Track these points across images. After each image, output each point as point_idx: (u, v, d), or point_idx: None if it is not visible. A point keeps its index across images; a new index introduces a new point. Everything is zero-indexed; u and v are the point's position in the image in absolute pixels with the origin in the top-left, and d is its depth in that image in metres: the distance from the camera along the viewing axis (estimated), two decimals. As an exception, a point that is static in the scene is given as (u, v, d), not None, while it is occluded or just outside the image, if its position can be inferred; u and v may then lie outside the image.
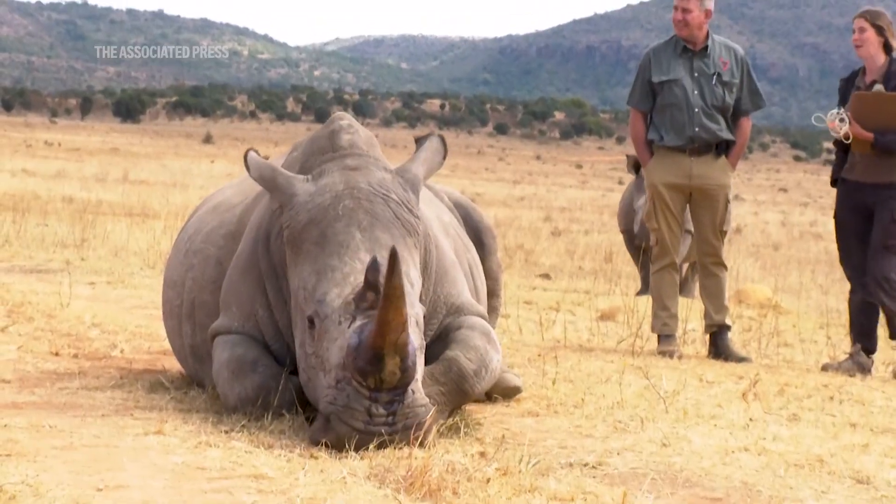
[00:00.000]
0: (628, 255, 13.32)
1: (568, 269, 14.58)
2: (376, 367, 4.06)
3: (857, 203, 7.19)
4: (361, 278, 4.24)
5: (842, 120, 6.92)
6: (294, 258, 4.51)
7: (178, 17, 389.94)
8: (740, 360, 7.15)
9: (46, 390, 5.02)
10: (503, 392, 5.09)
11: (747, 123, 7.46)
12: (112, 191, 24.69)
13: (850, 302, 7.31)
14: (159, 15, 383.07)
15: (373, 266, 4.14)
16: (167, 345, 5.91)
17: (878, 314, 7.22)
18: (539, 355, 6.39)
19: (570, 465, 4.26)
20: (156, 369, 5.74)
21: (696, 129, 7.15)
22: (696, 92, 7.21)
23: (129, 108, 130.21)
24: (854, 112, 6.93)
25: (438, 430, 4.32)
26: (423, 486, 3.72)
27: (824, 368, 6.99)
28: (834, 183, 7.43)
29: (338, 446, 4.08)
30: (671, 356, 6.99)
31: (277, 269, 4.72)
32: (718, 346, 7.32)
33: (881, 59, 7.12)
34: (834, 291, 14.06)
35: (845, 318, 8.01)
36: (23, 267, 9.95)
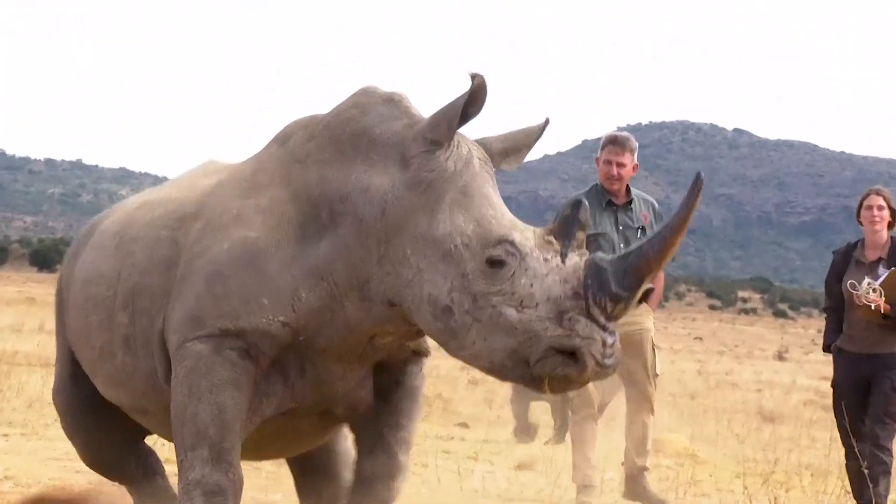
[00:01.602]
0: (546, 404, 13.48)
1: (486, 417, 14.64)
2: (633, 292, 4.26)
3: (856, 373, 7.43)
4: (526, 231, 4.45)
5: (874, 290, 7.15)
6: (427, 209, 4.54)
7: (97, 166, 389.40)
8: (658, 502, 7.26)
9: None
10: None
11: (661, 272, 7.74)
12: (28, 341, 24.33)
13: (849, 468, 7.47)
14: (77, 165, 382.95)
15: (584, 207, 4.40)
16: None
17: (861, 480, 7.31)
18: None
19: None
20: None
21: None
22: (622, 246, 7.38)
23: (45, 258, 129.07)
24: (888, 284, 7.16)
25: None
26: None
27: None
28: (827, 349, 7.68)
29: (597, 370, 4.29)
30: None
31: (381, 226, 4.62)
32: (636, 488, 7.43)
33: (885, 236, 7.44)
34: (750, 440, 14.24)
35: (762, 467, 8.18)
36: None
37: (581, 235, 4.41)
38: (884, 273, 7.27)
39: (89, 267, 5.43)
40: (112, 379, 5.26)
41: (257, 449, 4.99)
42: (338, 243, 4.69)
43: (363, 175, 4.68)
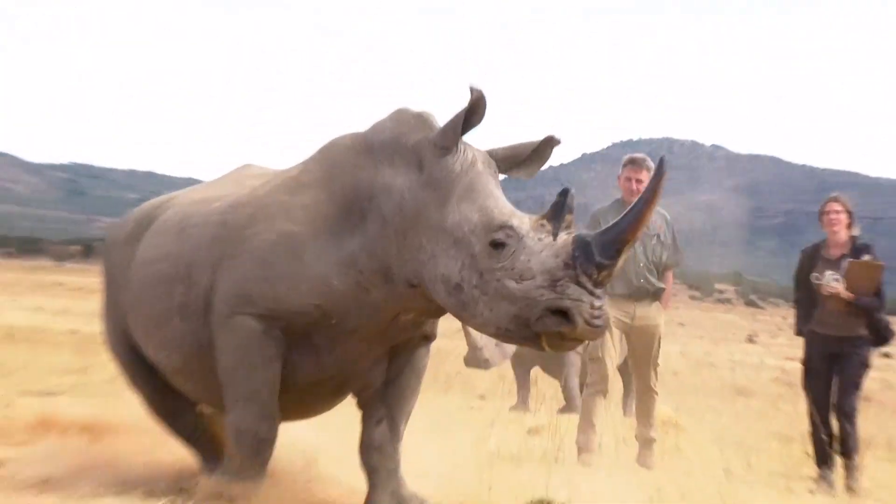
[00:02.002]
0: (550, 378, 13.52)
1: (500, 391, 14.61)
2: (614, 260, 4.29)
3: (826, 352, 7.48)
4: (523, 218, 4.50)
5: (836, 280, 7.27)
6: (438, 203, 4.62)
7: (167, 175, 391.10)
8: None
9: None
10: None
11: (671, 275, 7.79)
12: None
13: (813, 436, 7.51)
14: (151, 174, 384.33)
15: (570, 194, 4.48)
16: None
17: (831, 444, 7.47)
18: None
19: None
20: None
21: (641, 281, 7.49)
22: (640, 250, 7.42)
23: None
24: (848, 275, 7.27)
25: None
26: None
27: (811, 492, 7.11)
28: (799, 333, 7.75)
29: (588, 330, 4.28)
30: (589, 463, 7.22)
31: (398, 219, 4.71)
32: (647, 454, 7.61)
33: (845, 235, 7.49)
34: (725, 412, 14.15)
35: (736, 435, 8.17)
36: (36, 391, 9.89)
37: (570, 218, 4.44)
38: (843, 266, 7.34)
39: (153, 249, 5.47)
40: (166, 343, 5.31)
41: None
42: (365, 237, 4.74)
43: (388, 177, 4.74)
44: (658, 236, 7.58)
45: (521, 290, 4.36)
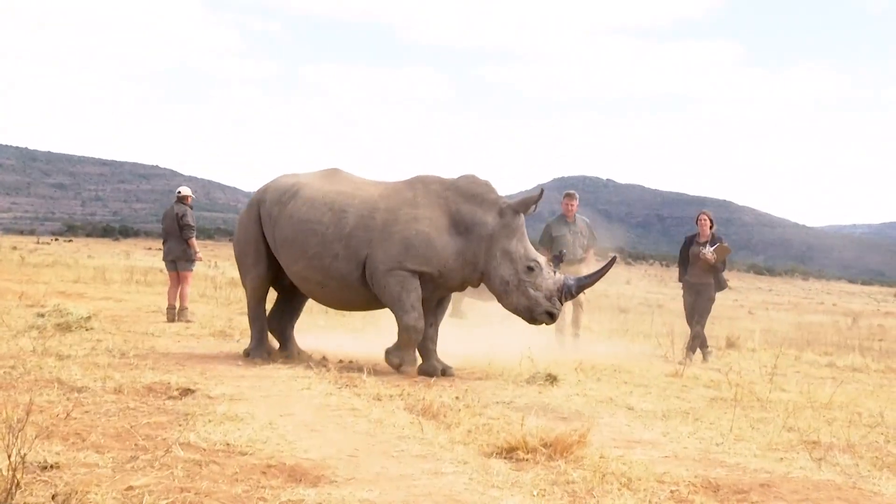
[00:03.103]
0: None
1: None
2: (577, 294, 8.89)
3: (692, 291, 12.50)
4: (538, 254, 8.77)
5: (712, 253, 12.20)
6: (508, 237, 8.63)
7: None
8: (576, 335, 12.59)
9: (258, 369, 8.71)
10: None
11: (591, 252, 12.69)
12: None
13: (691, 336, 12.44)
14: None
15: (561, 256, 8.99)
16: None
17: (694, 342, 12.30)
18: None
19: (497, 402, 7.40)
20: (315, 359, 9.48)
21: (577, 255, 12.33)
22: (575, 240, 12.48)
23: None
24: (716, 251, 12.21)
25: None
26: (429, 411, 6.77)
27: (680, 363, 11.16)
28: (680, 280, 12.70)
29: (554, 318, 8.61)
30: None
31: (487, 241, 8.67)
32: (575, 338, 12.92)
33: (707, 232, 12.50)
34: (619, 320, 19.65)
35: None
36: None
37: (562, 266, 8.96)
38: (710, 247, 12.19)
39: (306, 214, 9.06)
40: (315, 268, 8.95)
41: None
42: (468, 243, 8.69)
43: (481, 215, 8.73)
44: (582, 233, 12.52)
45: (534, 296, 8.48)
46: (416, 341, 8.81)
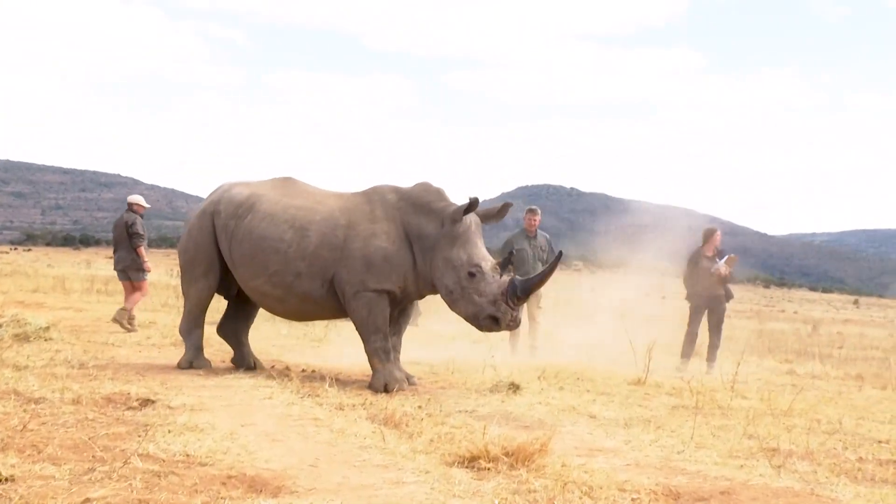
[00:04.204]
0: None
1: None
2: (526, 296, 8.44)
3: (706, 305, 12.76)
4: (488, 261, 8.41)
5: (725, 266, 12.48)
6: (449, 246, 8.51)
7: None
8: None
9: (219, 378, 8.66)
10: None
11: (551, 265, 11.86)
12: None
13: (686, 337, 12.89)
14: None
15: (509, 259, 8.57)
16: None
17: (692, 348, 12.54)
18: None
19: (459, 411, 7.37)
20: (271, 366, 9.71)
21: (537, 267, 12.20)
22: (533, 255, 12.56)
23: None
24: (728, 263, 12.53)
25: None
26: (392, 420, 6.70)
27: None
28: (688, 295, 12.79)
29: (507, 327, 8.32)
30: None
31: (431, 251, 8.54)
32: (533, 348, 12.67)
33: (712, 248, 12.77)
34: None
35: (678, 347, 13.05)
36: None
37: (510, 268, 8.40)
38: (720, 260, 12.55)
39: (265, 230, 8.96)
40: (276, 283, 8.87)
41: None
42: (416, 255, 8.68)
43: (426, 224, 8.69)
44: (542, 248, 12.64)
45: (478, 302, 8.32)
46: (385, 360, 8.75)
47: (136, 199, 14.39)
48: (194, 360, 9.49)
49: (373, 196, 9.02)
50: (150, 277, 14.46)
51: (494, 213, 8.86)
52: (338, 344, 13.25)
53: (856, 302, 79.95)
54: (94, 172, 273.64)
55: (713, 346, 12.78)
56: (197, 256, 9.50)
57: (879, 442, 7.36)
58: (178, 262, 9.81)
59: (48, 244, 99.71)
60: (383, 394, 8.33)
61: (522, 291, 8.37)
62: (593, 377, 10.41)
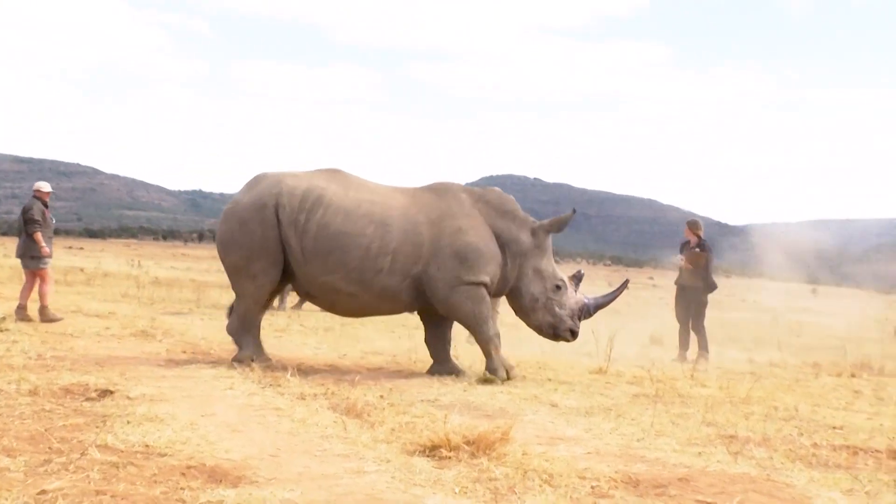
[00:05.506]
0: None
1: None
2: (592, 315, 9.34)
3: (683, 294, 13.34)
4: (565, 276, 9.20)
5: (681, 259, 13.26)
6: (539, 256, 9.09)
7: None
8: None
9: (180, 369, 8.50)
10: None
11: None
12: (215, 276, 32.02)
13: (680, 333, 13.32)
14: None
15: (580, 275, 9.35)
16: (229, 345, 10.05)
17: (689, 339, 13.28)
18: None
19: (422, 401, 7.38)
20: (228, 357, 9.46)
21: None
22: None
23: None
24: (686, 257, 13.22)
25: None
26: (353, 410, 6.73)
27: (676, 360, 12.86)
28: (676, 283, 13.57)
29: (575, 336, 9.16)
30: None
31: (521, 258, 9.07)
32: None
33: (694, 239, 13.40)
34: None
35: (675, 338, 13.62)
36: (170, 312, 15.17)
37: (579, 286, 9.30)
38: (681, 254, 13.27)
39: (341, 225, 8.79)
40: (349, 280, 8.78)
41: None
42: (506, 257, 9.06)
43: (516, 232, 9.10)
44: None
45: (559, 313, 8.95)
46: (499, 346, 9.06)
47: (40, 185, 13.73)
48: (255, 356, 9.17)
49: (444, 193, 9.24)
50: (50, 263, 13.65)
51: (566, 222, 9.30)
52: (300, 334, 13.19)
53: (814, 291, 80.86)
54: (54, 161, 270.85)
55: (699, 338, 13.20)
56: (258, 252, 8.95)
57: (834, 428, 7.47)
58: (219, 259, 9.27)
59: (4, 234, 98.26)
60: (473, 381, 8.66)
61: (594, 310, 9.20)
62: (555, 366, 10.45)
